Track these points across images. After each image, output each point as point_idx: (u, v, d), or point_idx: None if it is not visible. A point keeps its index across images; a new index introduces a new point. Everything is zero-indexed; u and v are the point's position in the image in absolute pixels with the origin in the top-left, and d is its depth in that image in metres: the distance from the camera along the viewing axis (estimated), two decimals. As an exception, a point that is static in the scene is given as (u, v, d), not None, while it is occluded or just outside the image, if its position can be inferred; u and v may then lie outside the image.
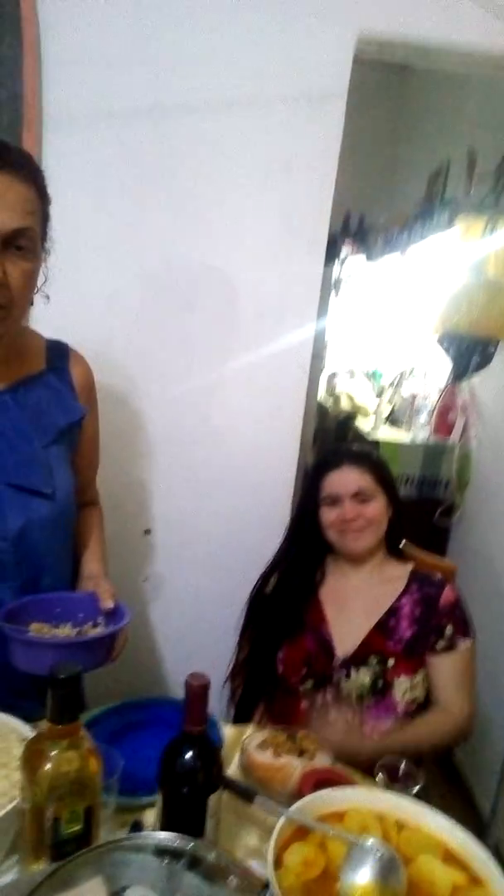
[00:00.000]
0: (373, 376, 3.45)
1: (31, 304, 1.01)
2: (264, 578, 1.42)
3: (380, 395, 3.22)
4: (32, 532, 0.99)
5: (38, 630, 0.98)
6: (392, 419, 2.87)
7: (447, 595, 1.30)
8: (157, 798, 0.77)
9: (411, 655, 1.26)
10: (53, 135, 1.44)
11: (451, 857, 0.76)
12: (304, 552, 1.38)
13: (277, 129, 1.51)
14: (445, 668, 1.26)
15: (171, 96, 1.47)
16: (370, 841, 0.72)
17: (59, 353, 1.11)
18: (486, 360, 2.26)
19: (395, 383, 2.98)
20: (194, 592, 1.76)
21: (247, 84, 1.48)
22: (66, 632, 1.01)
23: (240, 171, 1.53)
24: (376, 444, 2.46)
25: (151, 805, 0.93)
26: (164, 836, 0.70)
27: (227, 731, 1.11)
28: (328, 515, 1.31)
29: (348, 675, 1.25)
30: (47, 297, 1.02)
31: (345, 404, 3.05)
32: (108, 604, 1.03)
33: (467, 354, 2.26)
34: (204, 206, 1.55)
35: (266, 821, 0.91)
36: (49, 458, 1.03)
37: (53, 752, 0.68)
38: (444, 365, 2.68)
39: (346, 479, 1.30)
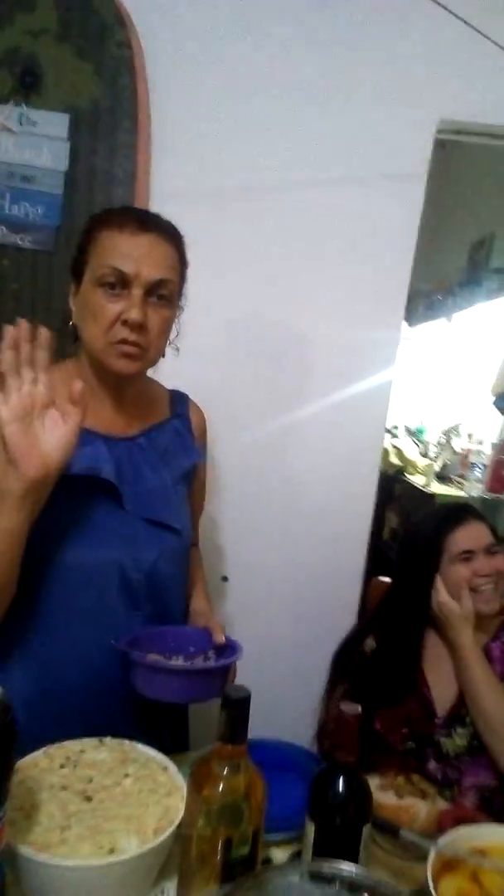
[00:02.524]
0: (416, 433, 3.53)
1: (164, 354, 1.10)
2: (358, 636, 1.41)
3: (425, 452, 3.28)
4: (163, 564, 1.05)
5: (154, 660, 1.02)
6: (440, 475, 2.92)
7: None
8: (308, 828, 0.79)
9: None
10: (160, 207, 1.56)
11: None
12: (413, 618, 1.34)
13: (362, 205, 1.63)
14: None
15: (265, 176, 1.60)
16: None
17: (180, 401, 1.20)
18: (541, 418, 2.33)
19: (445, 440, 3.04)
20: (270, 642, 1.77)
21: (335, 163, 1.61)
22: (179, 662, 1.05)
23: (327, 241, 1.65)
24: (433, 497, 2.50)
25: (277, 843, 0.94)
26: (345, 865, 0.72)
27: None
28: (461, 573, 1.29)
29: (448, 735, 1.26)
30: (177, 350, 1.12)
31: (394, 460, 3.10)
32: (221, 638, 1.07)
33: (524, 413, 2.33)
34: (291, 270, 1.66)
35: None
36: (176, 496, 1.10)
37: (224, 773, 0.72)
38: (493, 423, 2.75)
39: (477, 534, 1.30)
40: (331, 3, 1.52)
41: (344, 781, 0.78)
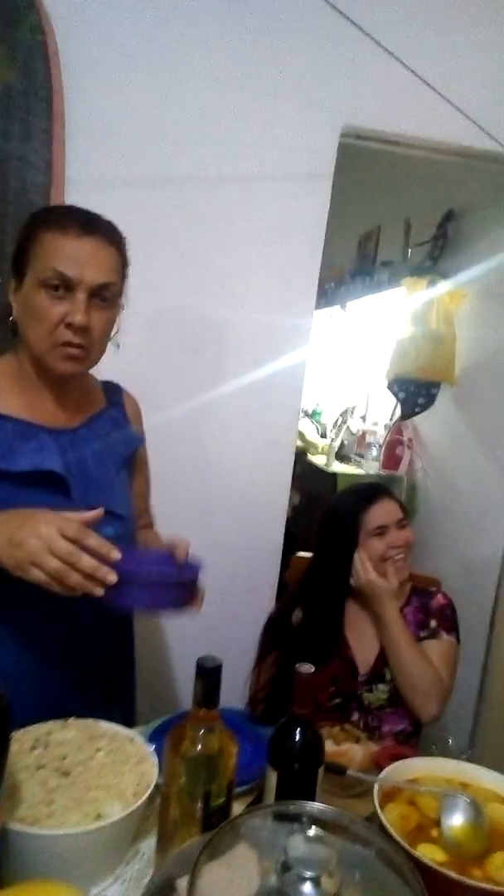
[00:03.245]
0: (313, 415, 3.71)
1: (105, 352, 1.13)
2: (287, 609, 1.52)
3: (323, 433, 3.47)
4: None
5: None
6: (339, 455, 3.11)
7: (439, 599, 1.49)
8: (270, 775, 0.88)
9: None
10: (76, 195, 1.57)
11: (509, 803, 0.93)
12: (336, 590, 1.47)
13: (275, 200, 1.73)
14: (436, 653, 1.41)
15: (183, 167, 1.65)
16: (459, 793, 0.87)
17: (113, 391, 1.24)
18: (430, 400, 2.55)
19: (341, 422, 3.23)
20: (195, 618, 1.84)
21: (249, 160, 1.69)
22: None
23: (242, 232, 1.74)
24: (335, 476, 2.67)
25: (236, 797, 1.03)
26: (307, 804, 0.81)
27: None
28: (376, 547, 1.42)
29: (370, 690, 1.41)
30: (118, 346, 1.15)
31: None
32: (184, 551, 1.06)
33: (414, 396, 2.54)
34: (207, 258, 1.73)
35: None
36: (119, 483, 1.14)
37: (201, 734, 0.79)
38: (384, 404, 2.97)
39: (389, 510, 1.44)
40: (247, 6, 1.58)
41: (301, 732, 0.88)
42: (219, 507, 1.85)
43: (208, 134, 1.65)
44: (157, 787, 0.85)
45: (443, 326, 2.44)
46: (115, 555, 0.87)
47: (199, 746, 0.78)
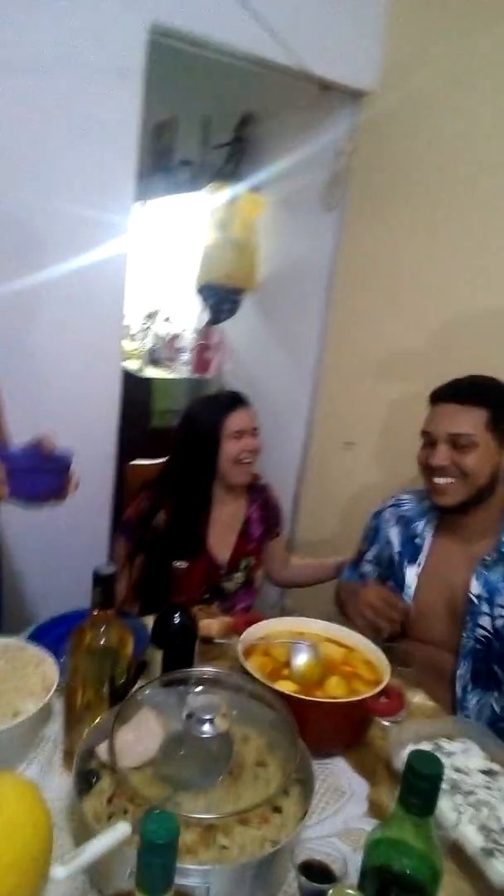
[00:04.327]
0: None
1: None
2: (147, 514, 1.59)
3: (131, 336, 3.48)
4: None
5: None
6: (151, 359, 3.17)
7: (271, 494, 1.76)
8: (155, 653, 1.05)
9: (260, 549, 1.72)
10: None
11: (335, 641, 1.21)
12: (201, 488, 1.60)
13: (88, 92, 1.67)
14: (280, 547, 1.78)
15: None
16: (299, 640, 1.12)
17: None
18: (235, 306, 2.70)
19: (147, 325, 3.26)
20: (35, 533, 1.89)
21: (58, 50, 1.58)
22: None
23: (55, 125, 1.67)
24: (149, 381, 2.76)
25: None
26: (199, 671, 0.99)
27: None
28: (233, 448, 1.55)
29: (230, 579, 1.64)
30: None
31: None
32: (50, 443, 1.11)
33: (221, 302, 2.67)
34: (21, 160, 1.63)
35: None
36: None
37: (102, 630, 0.91)
38: (190, 308, 3.06)
39: (248, 417, 1.58)
40: None
41: (179, 615, 1.05)
42: (48, 419, 1.85)
43: (13, 23, 1.50)
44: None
45: (245, 234, 2.56)
46: None
47: (103, 640, 0.91)
